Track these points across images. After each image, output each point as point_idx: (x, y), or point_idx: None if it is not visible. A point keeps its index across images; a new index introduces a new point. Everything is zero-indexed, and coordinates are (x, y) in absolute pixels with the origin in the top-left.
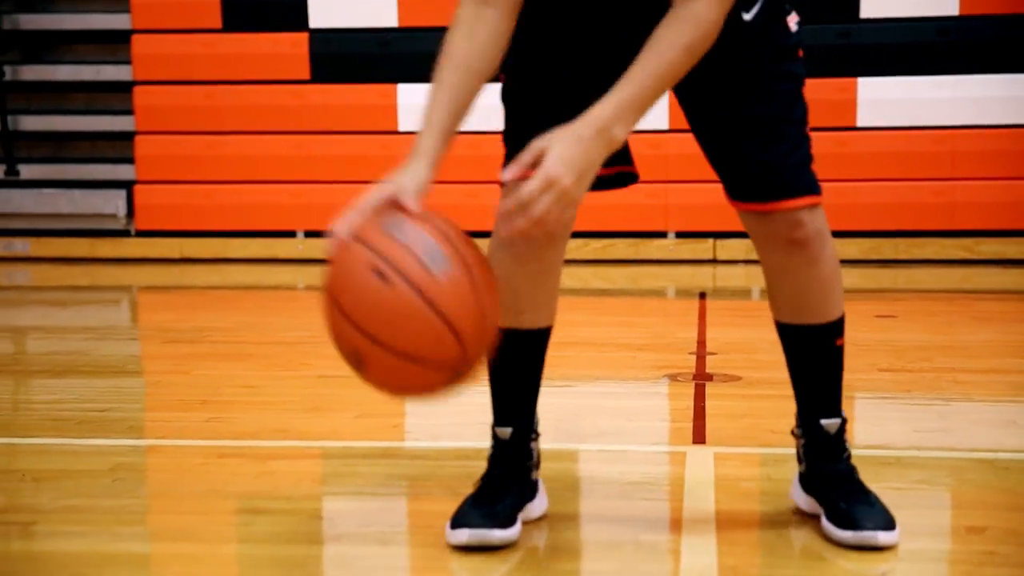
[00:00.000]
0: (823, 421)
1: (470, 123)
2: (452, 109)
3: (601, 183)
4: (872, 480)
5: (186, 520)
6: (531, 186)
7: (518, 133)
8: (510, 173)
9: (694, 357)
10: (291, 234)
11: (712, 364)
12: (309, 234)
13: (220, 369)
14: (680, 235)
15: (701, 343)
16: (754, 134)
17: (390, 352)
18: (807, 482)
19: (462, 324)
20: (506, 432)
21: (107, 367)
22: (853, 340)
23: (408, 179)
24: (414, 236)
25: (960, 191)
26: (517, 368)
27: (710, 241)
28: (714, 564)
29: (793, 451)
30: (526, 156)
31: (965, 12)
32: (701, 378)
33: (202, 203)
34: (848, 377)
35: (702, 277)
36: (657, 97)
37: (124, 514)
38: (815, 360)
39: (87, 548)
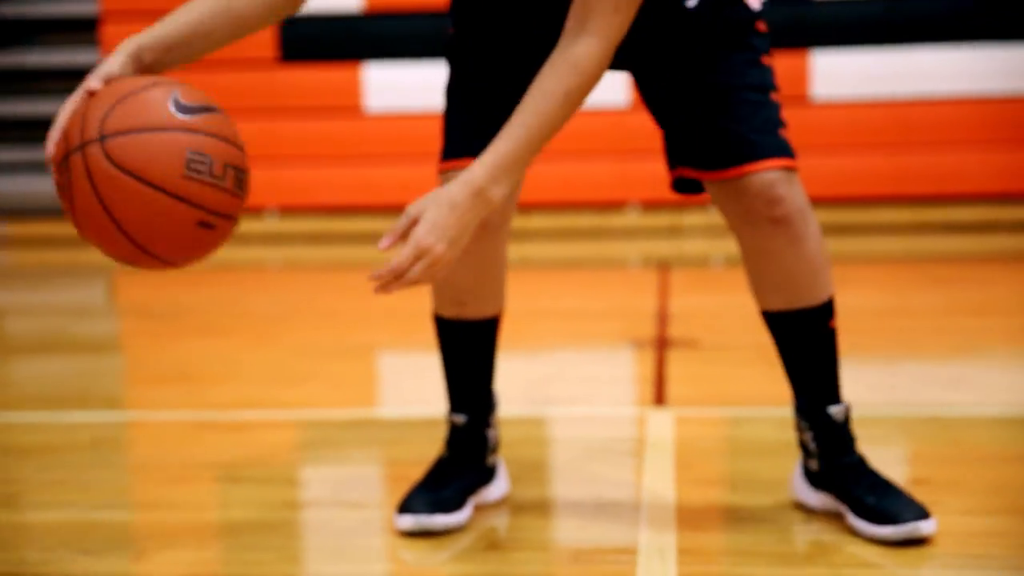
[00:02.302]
0: (830, 409)
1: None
2: (185, 26)
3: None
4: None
5: (165, 489)
6: (403, 255)
7: (461, 88)
8: (385, 243)
9: (656, 325)
10: (262, 211)
11: (673, 331)
12: (281, 211)
13: (197, 344)
14: (643, 206)
15: (663, 311)
16: (710, 102)
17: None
18: (821, 479)
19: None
20: (460, 419)
21: (86, 344)
22: None
23: (96, 72)
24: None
25: (909, 159)
26: (466, 357)
27: (672, 212)
28: (672, 520)
29: (751, 412)
30: (400, 222)
31: None
32: (662, 344)
33: None
34: None
35: (664, 248)
36: (536, 151)
37: (105, 485)
38: (809, 346)
39: (71, 517)
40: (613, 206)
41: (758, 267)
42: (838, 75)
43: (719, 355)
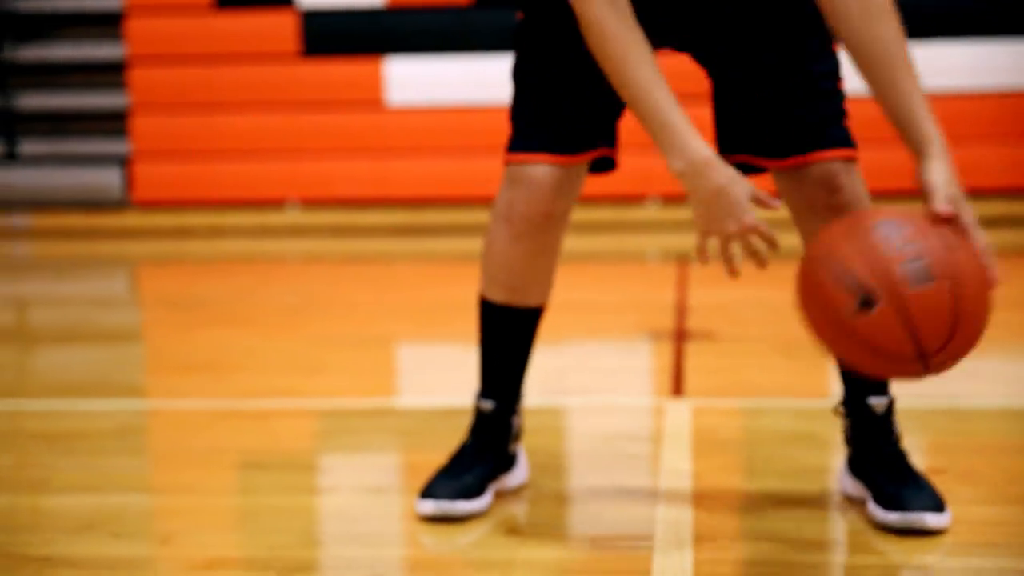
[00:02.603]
0: (871, 400)
1: (466, 94)
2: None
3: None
4: (836, 426)
5: (190, 475)
6: (982, 237)
7: (532, 76)
8: (944, 209)
9: (674, 317)
10: (284, 204)
11: (692, 323)
12: (303, 203)
13: (219, 334)
14: (663, 200)
15: (681, 303)
16: (782, 87)
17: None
18: (855, 465)
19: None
20: (488, 405)
21: (110, 334)
22: None
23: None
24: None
25: None
26: (507, 344)
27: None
28: (689, 507)
29: (768, 403)
30: (942, 212)
31: None
32: (680, 336)
33: (197, 176)
34: None
35: (684, 241)
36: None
37: (130, 471)
38: None
39: (97, 501)
40: (633, 200)
41: None
42: (849, 69)
43: (736, 347)
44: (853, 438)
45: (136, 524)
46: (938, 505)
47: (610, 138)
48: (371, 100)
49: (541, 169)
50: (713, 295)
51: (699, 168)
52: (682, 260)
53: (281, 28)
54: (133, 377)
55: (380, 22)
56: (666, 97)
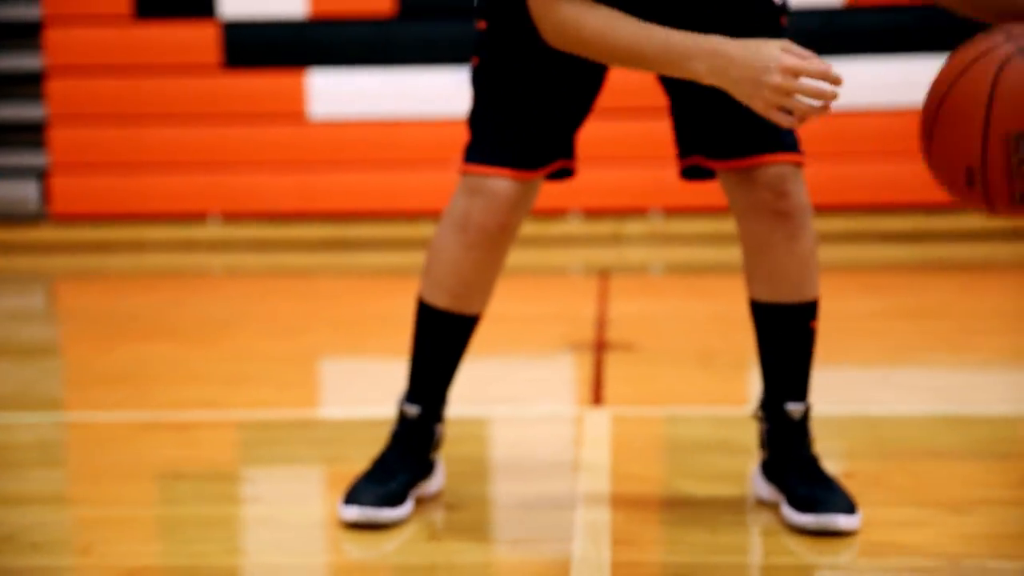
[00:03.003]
0: (789, 406)
1: (388, 108)
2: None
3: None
4: (753, 434)
5: (111, 487)
6: None
7: (495, 88)
8: None
9: (595, 329)
10: (205, 217)
11: (612, 334)
12: (224, 217)
13: (141, 347)
14: (585, 215)
15: (602, 316)
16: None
17: None
18: (769, 469)
19: None
20: (413, 411)
21: (28, 349)
22: (744, 311)
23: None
24: None
25: (844, 168)
26: (441, 349)
27: (614, 221)
28: (607, 511)
29: (685, 411)
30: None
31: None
32: (600, 347)
33: (117, 190)
34: (740, 342)
35: (605, 256)
36: None
37: (51, 483)
38: (787, 341)
39: (17, 513)
40: (555, 214)
41: (753, 257)
42: None
43: (655, 357)
44: (769, 442)
45: (56, 535)
46: (850, 507)
47: (568, 149)
48: (293, 113)
49: (502, 183)
50: (633, 307)
51: (711, 53)
52: (603, 273)
53: (202, 39)
54: (53, 391)
55: (302, 34)
56: (658, 29)
